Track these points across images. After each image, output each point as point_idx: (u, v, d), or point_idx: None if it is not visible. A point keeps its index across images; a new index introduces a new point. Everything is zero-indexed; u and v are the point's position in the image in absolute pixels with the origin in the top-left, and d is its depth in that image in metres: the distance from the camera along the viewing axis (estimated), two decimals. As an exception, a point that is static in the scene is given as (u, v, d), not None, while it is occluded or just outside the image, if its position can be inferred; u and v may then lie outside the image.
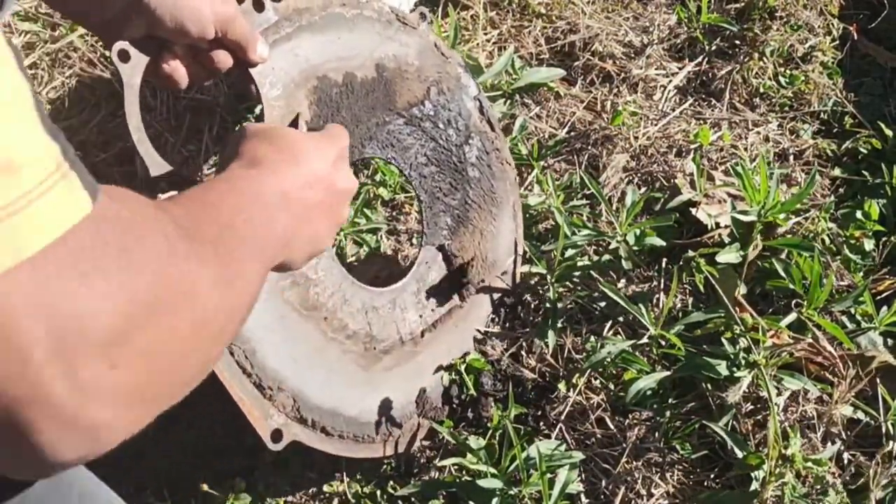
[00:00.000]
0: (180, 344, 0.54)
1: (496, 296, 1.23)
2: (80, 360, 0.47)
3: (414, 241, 1.33)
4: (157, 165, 0.94)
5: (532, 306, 1.25)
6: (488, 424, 1.11)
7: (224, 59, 0.99)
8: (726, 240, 1.26)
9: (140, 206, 0.56)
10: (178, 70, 0.96)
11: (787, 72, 1.54)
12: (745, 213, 1.23)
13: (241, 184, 0.76)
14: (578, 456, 1.05)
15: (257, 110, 1.43)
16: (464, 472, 1.05)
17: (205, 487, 1.11)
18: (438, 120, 1.20)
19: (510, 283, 1.24)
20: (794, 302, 1.18)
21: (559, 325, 1.19)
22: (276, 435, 0.98)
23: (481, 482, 1.00)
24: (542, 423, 1.14)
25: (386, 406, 1.08)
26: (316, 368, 1.03)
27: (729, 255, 1.21)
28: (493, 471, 1.02)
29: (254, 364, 0.97)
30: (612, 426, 1.11)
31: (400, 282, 1.13)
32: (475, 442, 1.05)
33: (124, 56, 0.92)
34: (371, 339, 1.09)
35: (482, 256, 1.21)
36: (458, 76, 1.24)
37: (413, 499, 1.06)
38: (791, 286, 1.18)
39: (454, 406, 1.14)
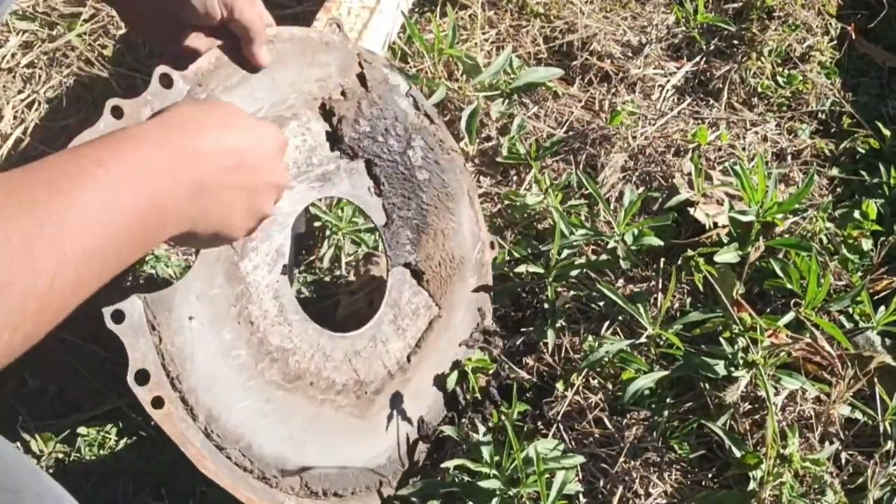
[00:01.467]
0: None
1: (472, 294, 1.20)
2: None
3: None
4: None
5: (530, 306, 1.25)
6: (489, 424, 1.11)
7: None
8: (724, 239, 1.26)
9: None
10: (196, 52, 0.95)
11: (785, 71, 1.54)
12: (743, 213, 1.23)
13: (135, 136, 0.70)
14: (579, 459, 1.05)
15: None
16: (464, 473, 1.05)
17: (202, 488, 1.11)
18: (376, 133, 1.13)
19: (483, 273, 1.21)
20: (792, 301, 1.18)
21: (557, 324, 1.19)
22: None
23: (482, 483, 1.00)
24: (539, 423, 1.14)
25: (392, 444, 1.08)
26: (314, 438, 1.01)
27: (727, 255, 1.21)
28: (494, 472, 1.02)
29: (252, 459, 0.95)
30: (610, 426, 1.11)
31: (375, 315, 1.10)
32: (485, 447, 1.05)
33: (167, 81, 0.92)
34: (361, 385, 1.06)
35: (449, 258, 1.18)
36: (384, 78, 1.16)
37: (413, 498, 1.06)
38: (789, 286, 1.18)
39: (459, 409, 1.14)
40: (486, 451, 1.04)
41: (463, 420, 1.14)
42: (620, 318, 1.20)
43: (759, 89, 1.52)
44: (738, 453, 1.05)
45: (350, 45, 1.14)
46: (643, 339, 1.15)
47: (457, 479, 1.05)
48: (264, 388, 0.97)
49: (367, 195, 1.10)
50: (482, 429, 1.10)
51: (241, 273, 0.96)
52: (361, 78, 1.13)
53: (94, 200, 0.63)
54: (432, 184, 1.18)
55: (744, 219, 1.23)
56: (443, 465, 1.06)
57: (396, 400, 1.10)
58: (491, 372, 1.17)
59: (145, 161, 0.68)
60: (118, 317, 0.86)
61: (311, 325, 1.02)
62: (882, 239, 1.28)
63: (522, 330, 1.22)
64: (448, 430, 1.10)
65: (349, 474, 1.03)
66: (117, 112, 0.86)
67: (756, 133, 1.46)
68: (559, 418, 1.13)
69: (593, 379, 1.15)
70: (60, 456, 1.14)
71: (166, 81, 0.93)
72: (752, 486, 1.03)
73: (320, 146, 1.07)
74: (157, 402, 0.87)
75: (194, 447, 0.90)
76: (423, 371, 1.13)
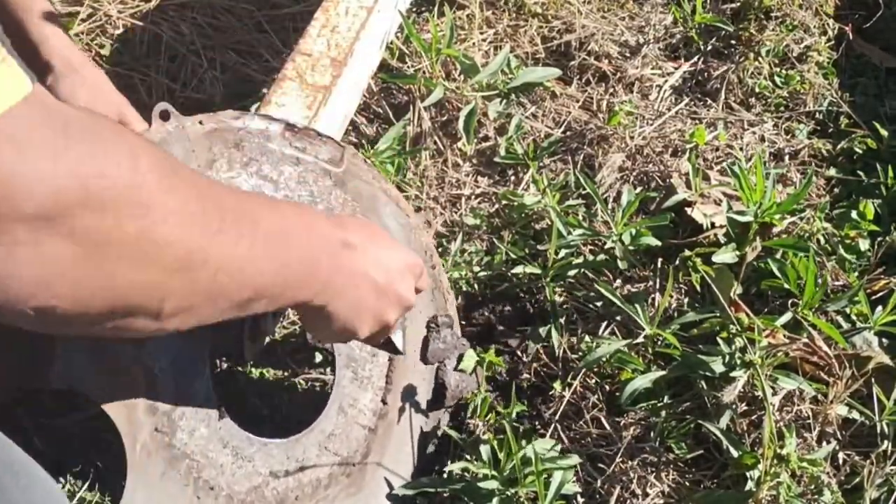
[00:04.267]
0: (116, 247, 0.57)
1: (422, 295, 1.08)
2: (4, 226, 0.51)
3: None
4: None
5: (527, 306, 1.25)
6: (488, 425, 1.10)
7: None
8: (722, 240, 1.26)
9: (104, 124, 0.58)
10: None
11: (783, 72, 1.54)
12: (741, 213, 1.23)
13: (307, 215, 0.81)
14: (576, 459, 1.05)
15: (253, 109, 1.42)
16: (464, 473, 1.05)
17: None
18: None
19: (427, 258, 1.13)
20: (789, 302, 1.18)
21: (554, 324, 1.19)
22: None
23: (482, 484, 1.00)
24: (537, 423, 1.14)
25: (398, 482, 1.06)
26: None
27: (725, 255, 1.21)
28: (493, 472, 1.01)
29: None
30: (607, 426, 1.11)
31: (333, 383, 1.05)
32: (484, 448, 1.04)
33: (165, 116, 0.92)
34: (346, 464, 1.02)
35: None
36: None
37: (417, 500, 1.06)
38: (786, 286, 1.18)
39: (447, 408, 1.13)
40: (484, 452, 1.03)
41: (466, 421, 1.13)
42: (618, 318, 1.20)
43: (757, 89, 1.52)
44: (735, 453, 1.05)
45: (187, 124, 0.99)
46: (640, 339, 1.15)
47: (456, 478, 1.05)
48: None
49: None
50: (481, 428, 1.09)
51: (179, 449, 0.91)
52: None
53: (287, 225, 0.75)
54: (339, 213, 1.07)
55: (742, 219, 1.23)
56: (445, 469, 1.06)
57: (387, 450, 1.06)
58: (486, 367, 1.15)
59: (318, 221, 0.81)
60: None
61: (273, 446, 0.97)
62: (879, 239, 1.28)
63: (520, 330, 1.22)
64: (449, 432, 1.10)
65: None
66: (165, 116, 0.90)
67: (754, 133, 1.46)
68: (556, 418, 1.13)
69: (591, 379, 1.15)
70: (58, 455, 1.14)
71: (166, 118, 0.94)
72: (749, 486, 1.03)
73: None
74: None
75: None
76: (402, 397, 1.09)
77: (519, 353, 1.20)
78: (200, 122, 0.99)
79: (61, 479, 1.12)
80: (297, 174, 1.05)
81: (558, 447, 1.07)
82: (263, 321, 1.01)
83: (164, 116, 0.93)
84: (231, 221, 0.67)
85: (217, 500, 0.92)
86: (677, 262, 1.25)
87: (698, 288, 1.23)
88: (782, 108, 1.52)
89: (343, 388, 1.04)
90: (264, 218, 0.72)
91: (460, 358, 1.13)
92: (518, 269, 1.24)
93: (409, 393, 1.09)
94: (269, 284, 0.72)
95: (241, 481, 0.94)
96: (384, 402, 1.07)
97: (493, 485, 1.00)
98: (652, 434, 1.09)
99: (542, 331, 1.19)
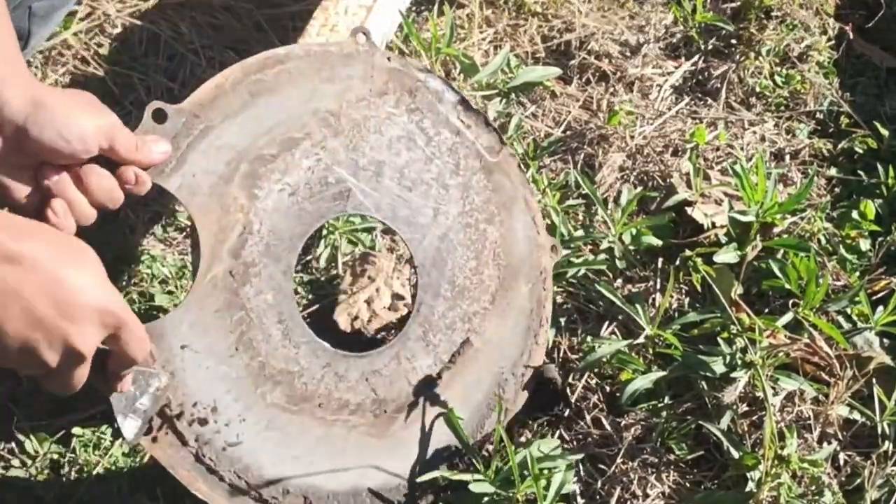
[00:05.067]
0: None
1: (524, 302, 1.10)
2: None
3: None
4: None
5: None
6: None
7: (137, 173, 0.88)
8: (722, 239, 1.25)
9: None
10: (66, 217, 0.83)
11: (783, 71, 1.54)
12: (743, 213, 1.23)
13: None
14: (576, 457, 1.05)
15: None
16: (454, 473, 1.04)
17: (199, 488, 1.11)
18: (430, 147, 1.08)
19: (540, 279, 1.12)
20: (790, 302, 1.17)
21: (555, 324, 1.19)
22: None
23: (473, 486, 1.00)
24: (536, 424, 1.13)
25: (411, 464, 1.02)
26: (322, 459, 0.97)
27: (726, 255, 1.21)
28: (480, 477, 1.00)
29: (250, 481, 0.92)
30: (608, 426, 1.11)
31: (400, 333, 1.04)
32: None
33: (160, 116, 0.92)
34: (379, 404, 1.01)
35: (496, 266, 1.09)
36: (423, 85, 1.09)
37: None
38: (787, 286, 1.18)
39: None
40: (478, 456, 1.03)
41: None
42: (619, 318, 1.19)
43: (757, 89, 1.52)
44: (735, 454, 1.04)
45: (378, 53, 1.08)
46: (641, 340, 1.15)
47: (449, 481, 1.04)
48: (264, 411, 0.94)
49: (389, 210, 1.05)
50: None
51: (241, 300, 0.95)
52: (398, 86, 1.08)
53: None
54: (473, 195, 1.10)
55: (743, 219, 1.23)
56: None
57: (422, 418, 1.03)
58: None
59: None
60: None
61: (322, 346, 0.99)
62: (880, 239, 1.28)
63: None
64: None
65: (362, 495, 0.99)
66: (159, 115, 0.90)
67: (754, 133, 1.46)
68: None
69: (591, 379, 1.15)
70: (55, 456, 1.13)
71: (159, 117, 0.92)
72: (750, 486, 1.03)
73: (338, 164, 1.03)
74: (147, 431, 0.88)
75: (184, 470, 0.89)
76: (456, 387, 1.05)
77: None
78: (388, 59, 1.08)
79: (61, 479, 1.12)
80: (452, 143, 1.10)
81: (558, 448, 1.06)
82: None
83: (158, 115, 0.92)
84: None
85: (251, 361, 0.95)
86: (678, 262, 1.25)
87: (699, 288, 1.22)
88: (783, 108, 1.52)
89: (408, 340, 1.04)
90: None
91: None
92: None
93: (467, 386, 1.06)
94: None
95: (279, 359, 0.96)
96: (439, 376, 1.04)
97: (484, 487, 0.99)
98: (652, 435, 1.09)
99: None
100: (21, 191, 0.83)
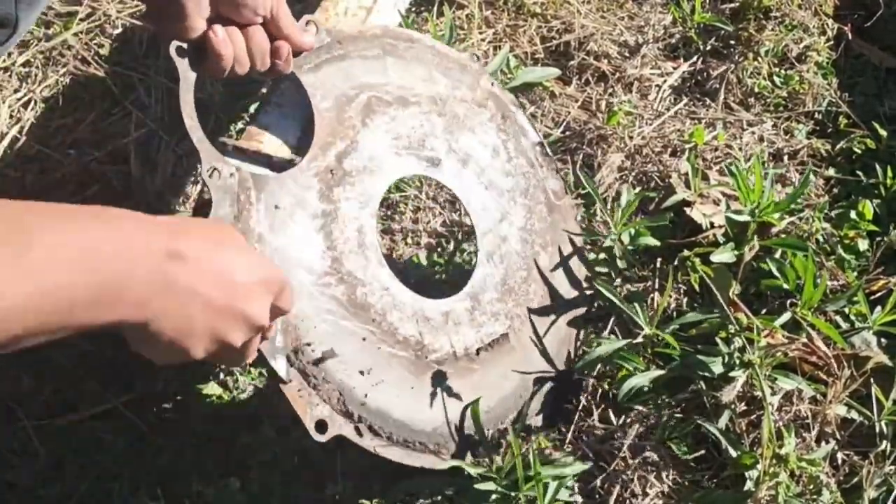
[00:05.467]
0: None
1: (571, 311, 1.20)
2: None
3: (409, 240, 1.33)
4: (211, 157, 0.96)
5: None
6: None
7: (288, 52, 1.02)
8: (721, 239, 1.26)
9: None
10: (226, 45, 0.96)
11: (782, 72, 1.55)
12: (739, 212, 1.23)
13: (123, 224, 0.70)
14: (584, 466, 1.05)
15: (252, 108, 1.42)
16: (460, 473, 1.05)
17: (199, 488, 1.11)
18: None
19: (581, 287, 1.22)
20: (788, 302, 1.18)
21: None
22: (321, 426, 0.95)
23: (478, 486, 1.00)
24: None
25: (439, 418, 1.04)
26: (362, 367, 1.00)
27: (724, 255, 1.21)
28: (491, 474, 1.01)
29: (302, 360, 0.96)
30: (607, 425, 1.11)
31: (453, 296, 1.10)
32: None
33: (181, 52, 0.97)
34: (422, 348, 1.05)
35: (545, 281, 1.19)
36: (512, 115, 1.27)
37: (408, 498, 1.06)
38: (785, 286, 1.18)
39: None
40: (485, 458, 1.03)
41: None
42: (618, 317, 1.20)
43: (756, 89, 1.52)
44: (734, 453, 1.05)
45: (485, 76, 1.27)
46: (640, 339, 1.15)
47: (453, 479, 1.05)
48: (326, 301, 0.99)
49: (466, 194, 1.16)
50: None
51: (333, 196, 1.04)
52: (491, 104, 1.25)
53: (82, 238, 0.65)
54: (535, 220, 1.22)
55: (740, 219, 1.23)
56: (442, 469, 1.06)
57: (456, 380, 1.06)
58: None
59: (127, 230, 0.70)
60: (211, 170, 0.95)
61: (388, 272, 1.06)
62: (878, 239, 1.28)
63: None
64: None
65: (389, 420, 1.00)
66: (181, 51, 0.97)
67: (753, 133, 1.46)
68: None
69: (591, 378, 1.15)
70: (56, 456, 1.14)
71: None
72: (748, 486, 1.03)
73: (435, 137, 1.16)
74: None
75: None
76: (489, 371, 1.10)
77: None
78: (492, 83, 1.28)
79: (61, 479, 1.12)
80: (526, 171, 1.25)
81: (570, 457, 1.07)
82: None
83: (181, 51, 0.97)
84: None
85: (327, 251, 1.02)
86: (676, 261, 1.25)
87: (697, 288, 1.23)
88: (781, 108, 1.52)
89: (458, 308, 1.11)
90: (46, 230, 0.63)
91: None
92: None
93: (497, 377, 1.10)
94: (43, 308, 0.63)
95: (350, 261, 1.03)
96: (478, 353, 1.10)
97: (489, 486, 1.00)
98: (652, 434, 1.09)
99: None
100: (199, 27, 0.96)
